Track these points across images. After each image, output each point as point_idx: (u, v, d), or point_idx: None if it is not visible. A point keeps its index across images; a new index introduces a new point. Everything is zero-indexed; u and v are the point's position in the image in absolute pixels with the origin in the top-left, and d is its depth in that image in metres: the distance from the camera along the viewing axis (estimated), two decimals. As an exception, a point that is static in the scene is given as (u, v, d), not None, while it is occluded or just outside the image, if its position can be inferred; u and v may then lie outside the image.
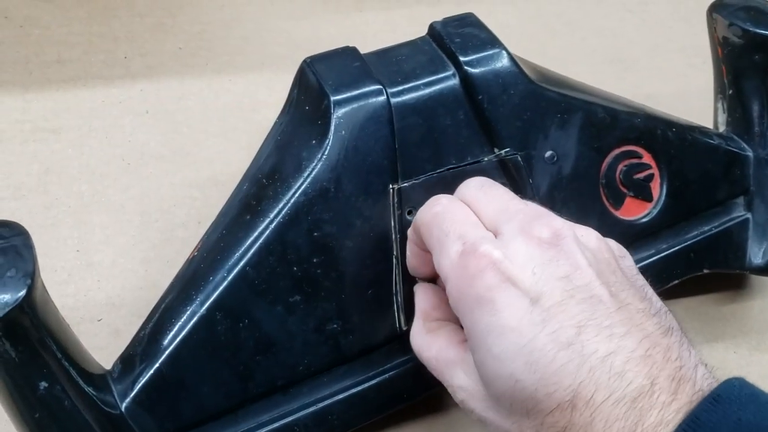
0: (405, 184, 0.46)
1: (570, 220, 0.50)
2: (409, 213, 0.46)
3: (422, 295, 0.46)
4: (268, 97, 0.68)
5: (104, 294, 0.56)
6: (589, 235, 0.41)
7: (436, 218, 0.42)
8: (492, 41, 0.49)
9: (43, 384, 0.38)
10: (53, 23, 0.70)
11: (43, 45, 0.69)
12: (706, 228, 0.56)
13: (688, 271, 0.56)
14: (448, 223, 0.41)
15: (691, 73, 0.77)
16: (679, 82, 0.76)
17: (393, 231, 0.47)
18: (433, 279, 0.46)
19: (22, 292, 0.36)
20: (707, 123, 0.60)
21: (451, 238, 0.40)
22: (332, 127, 0.45)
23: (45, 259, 0.56)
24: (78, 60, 0.68)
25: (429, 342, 0.44)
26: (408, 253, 0.46)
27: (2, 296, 0.36)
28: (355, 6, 0.77)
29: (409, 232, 0.46)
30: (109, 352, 0.46)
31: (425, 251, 0.44)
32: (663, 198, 0.54)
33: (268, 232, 0.44)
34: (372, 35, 0.74)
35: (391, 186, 0.46)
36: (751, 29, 0.54)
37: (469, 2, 0.76)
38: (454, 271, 0.39)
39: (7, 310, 0.36)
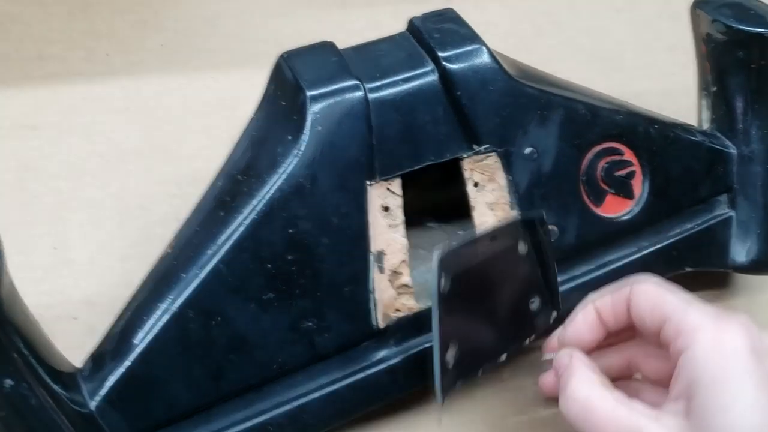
0: (446, 252, 0.42)
1: (550, 217, 0.49)
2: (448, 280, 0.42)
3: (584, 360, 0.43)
4: (249, 95, 0.66)
5: (81, 292, 0.55)
6: None
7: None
8: (471, 37, 0.49)
9: (9, 382, 0.38)
10: (33, 19, 0.70)
11: (23, 41, 0.68)
12: (688, 226, 0.56)
13: (671, 269, 0.55)
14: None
15: (678, 72, 0.76)
16: (666, 80, 0.76)
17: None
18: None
19: (-12, 289, 0.36)
20: (694, 121, 0.60)
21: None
22: (308, 123, 0.45)
23: (21, 256, 0.56)
24: (58, 56, 0.68)
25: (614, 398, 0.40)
26: (579, 322, 0.44)
27: (-33, 293, 0.35)
28: (339, 3, 0.77)
29: (597, 307, 0.44)
30: (85, 351, 0.45)
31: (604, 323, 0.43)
32: (645, 195, 0.53)
33: (242, 228, 0.44)
34: (356, 32, 0.73)
35: (368, 182, 0.46)
36: (734, 26, 0.54)
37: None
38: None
39: (-29, 307, 0.35)
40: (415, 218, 0.49)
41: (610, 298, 0.44)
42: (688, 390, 0.37)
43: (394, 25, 0.53)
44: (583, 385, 0.41)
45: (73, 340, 0.52)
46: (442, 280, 0.42)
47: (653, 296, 0.41)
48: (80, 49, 0.68)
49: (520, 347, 0.48)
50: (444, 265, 0.42)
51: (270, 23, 0.72)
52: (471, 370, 0.46)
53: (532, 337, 0.48)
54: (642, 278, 0.43)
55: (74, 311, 0.54)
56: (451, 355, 0.43)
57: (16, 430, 0.38)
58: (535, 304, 0.48)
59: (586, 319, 0.44)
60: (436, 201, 0.57)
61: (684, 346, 0.38)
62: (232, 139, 0.51)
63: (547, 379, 0.47)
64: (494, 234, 0.45)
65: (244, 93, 0.67)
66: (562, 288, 0.51)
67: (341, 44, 0.49)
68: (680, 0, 0.82)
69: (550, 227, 0.50)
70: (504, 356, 0.47)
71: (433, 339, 0.42)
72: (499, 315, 0.46)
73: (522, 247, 0.46)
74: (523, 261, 0.47)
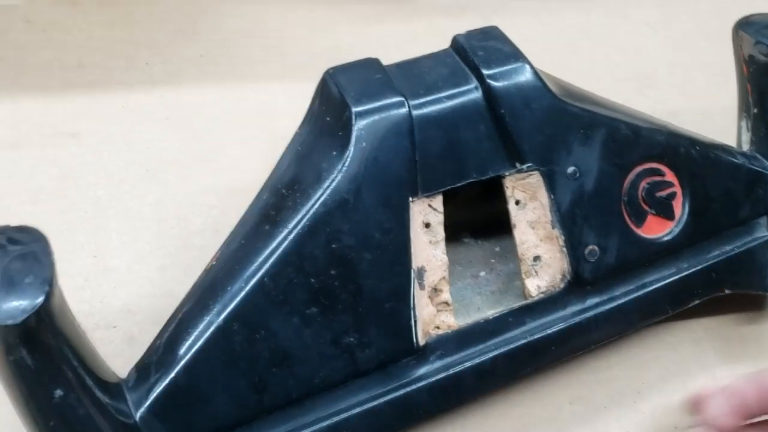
0: None
1: (591, 237, 0.49)
2: None
3: None
4: (287, 106, 0.68)
5: (120, 301, 0.56)
6: None
7: None
8: (515, 55, 0.49)
9: (59, 392, 0.38)
10: (75, 28, 0.71)
11: (65, 50, 0.69)
12: (728, 248, 0.56)
13: (709, 291, 0.55)
14: None
15: (713, 91, 0.77)
16: (701, 99, 0.76)
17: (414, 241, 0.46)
18: None
19: (40, 299, 0.36)
20: (730, 141, 0.60)
21: None
22: (353, 139, 0.45)
23: (61, 264, 0.56)
24: (99, 65, 0.69)
25: None
26: (721, 405, 0.44)
27: (20, 302, 0.36)
28: (376, 17, 0.77)
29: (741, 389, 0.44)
30: (124, 359, 0.46)
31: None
32: (685, 216, 0.53)
33: (286, 242, 0.44)
34: (393, 46, 0.74)
35: (411, 198, 0.46)
36: (777, 48, 0.54)
37: (493, 15, 0.76)
38: None
39: (24, 316, 0.35)
40: (451, 234, 0.49)
41: (755, 383, 0.44)
42: None
43: (431, 39, 0.54)
44: None
45: (112, 349, 0.52)
46: None
47: None
48: (120, 57, 0.69)
49: None
50: None
51: (308, 36, 0.73)
52: None
53: None
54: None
55: (113, 320, 0.55)
56: None
57: (64, 439, 0.39)
58: None
59: (728, 402, 0.44)
60: (472, 217, 0.58)
61: None
62: (270, 150, 0.51)
63: None
64: None
65: (282, 105, 0.68)
66: (602, 308, 0.51)
67: (379, 57, 0.49)
68: (716, 19, 0.83)
69: (590, 248, 0.50)
70: None
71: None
72: None
73: None
74: None
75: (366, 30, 0.76)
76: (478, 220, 0.58)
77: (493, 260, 0.56)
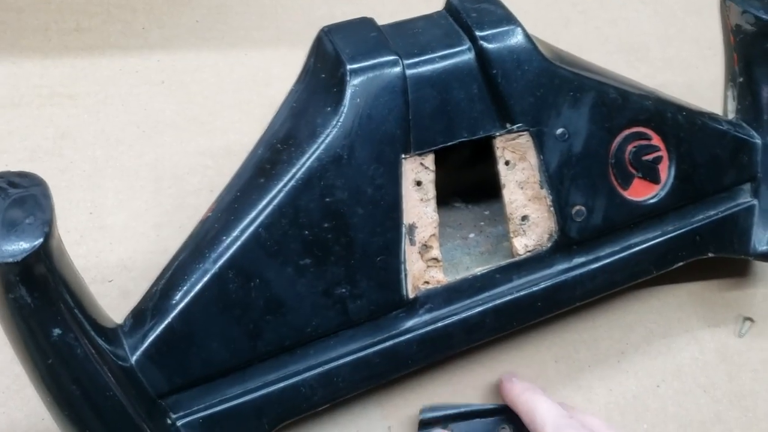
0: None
1: (578, 198, 0.51)
2: None
3: None
4: (282, 72, 0.68)
5: (116, 256, 0.57)
6: None
7: None
8: (508, 18, 0.50)
9: (57, 331, 0.39)
10: (73, -8, 0.71)
11: (62, 13, 0.69)
12: (712, 212, 0.57)
13: (693, 254, 0.56)
14: None
15: (702, 65, 0.77)
16: (690, 72, 0.77)
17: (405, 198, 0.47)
18: None
19: (40, 240, 0.37)
20: (717, 113, 0.61)
21: None
22: (347, 95, 0.46)
23: (59, 220, 0.57)
24: (96, 29, 0.69)
25: None
26: None
27: (20, 242, 0.37)
28: (372, -14, 0.78)
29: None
30: (119, 312, 0.47)
31: None
32: (671, 180, 0.54)
33: (281, 195, 0.45)
34: (388, 14, 0.74)
35: (403, 156, 0.47)
36: (764, 17, 0.55)
37: (485, -14, 0.76)
38: None
39: (24, 255, 0.36)
40: (442, 198, 0.50)
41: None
42: None
43: (425, 9, 0.54)
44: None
45: (107, 302, 0.53)
46: None
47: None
48: (118, 22, 0.70)
49: None
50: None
51: (302, 4, 0.73)
52: None
53: None
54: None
55: (109, 274, 0.56)
56: None
57: (63, 378, 0.40)
58: None
59: None
60: (462, 182, 0.59)
61: None
62: (264, 114, 0.52)
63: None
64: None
65: (277, 70, 0.69)
66: (588, 267, 0.52)
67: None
68: (706, -6, 0.84)
69: (577, 208, 0.51)
70: None
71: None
72: None
73: None
74: None
75: (361, -1, 0.76)
76: (469, 186, 0.59)
77: (482, 223, 0.58)
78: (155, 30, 0.70)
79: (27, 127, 0.62)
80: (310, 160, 0.45)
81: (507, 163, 0.51)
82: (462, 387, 0.55)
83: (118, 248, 0.57)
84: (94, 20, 0.70)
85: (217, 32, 0.71)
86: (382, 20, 0.51)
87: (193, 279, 0.44)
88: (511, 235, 0.52)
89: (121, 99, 0.65)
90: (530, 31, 0.50)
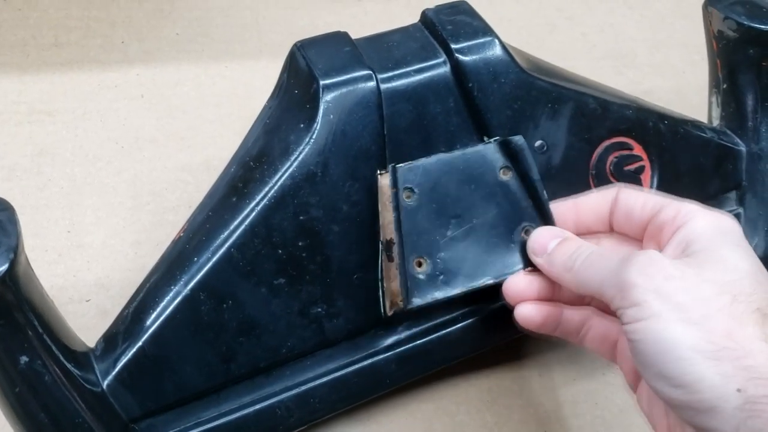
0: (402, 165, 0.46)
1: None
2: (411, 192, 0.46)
3: None
4: (263, 85, 0.67)
5: (93, 275, 0.56)
6: None
7: None
8: (484, 30, 0.49)
9: (24, 358, 0.38)
10: (51, 7, 0.71)
11: (41, 28, 0.69)
12: (696, 222, 0.56)
13: (678, 264, 0.55)
14: None
15: (689, 70, 0.77)
16: (678, 78, 0.76)
17: (383, 214, 0.46)
18: None
19: (5, 266, 0.36)
20: (704, 119, 0.60)
21: None
22: (321, 111, 0.45)
23: (36, 239, 0.57)
24: (75, 44, 0.69)
25: None
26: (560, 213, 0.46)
27: (-16, 269, 0.36)
28: (354, -4, 0.77)
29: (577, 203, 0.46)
30: (97, 332, 0.46)
31: None
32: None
33: (253, 214, 0.44)
34: (370, 25, 0.74)
35: (379, 171, 0.46)
36: (746, 23, 0.54)
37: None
38: None
39: (-12, 282, 0.36)
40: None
41: (594, 196, 0.45)
42: (685, 248, 0.39)
43: (408, 18, 0.54)
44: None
45: (85, 322, 0.53)
46: (402, 192, 0.45)
47: (644, 193, 0.44)
48: (97, 36, 0.69)
49: (510, 274, 0.46)
50: (401, 174, 0.46)
51: (284, 15, 0.73)
52: (448, 285, 0.45)
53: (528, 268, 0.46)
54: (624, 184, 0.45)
55: (87, 293, 0.55)
56: (423, 270, 0.45)
57: (30, 405, 0.39)
58: (529, 233, 0.46)
59: (565, 211, 0.46)
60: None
61: (683, 222, 0.40)
62: (245, 129, 0.51)
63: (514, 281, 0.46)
64: (466, 156, 0.47)
65: (258, 83, 0.69)
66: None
67: (355, 36, 0.49)
68: (693, -1, 0.83)
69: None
70: (489, 279, 0.46)
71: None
72: (481, 239, 0.46)
73: (504, 175, 0.47)
74: (507, 188, 0.47)
75: (344, 9, 0.76)
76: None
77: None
78: (135, 43, 0.70)
79: (5, 145, 0.62)
80: (283, 178, 0.45)
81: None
82: (445, 403, 0.54)
83: (96, 267, 0.56)
84: (72, 35, 0.69)
85: (198, 45, 0.70)
86: (365, 31, 0.51)
87: (164, 301, 0.43)
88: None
89: (99, 115, 0.65)
90: (515, 38, 0.49)
